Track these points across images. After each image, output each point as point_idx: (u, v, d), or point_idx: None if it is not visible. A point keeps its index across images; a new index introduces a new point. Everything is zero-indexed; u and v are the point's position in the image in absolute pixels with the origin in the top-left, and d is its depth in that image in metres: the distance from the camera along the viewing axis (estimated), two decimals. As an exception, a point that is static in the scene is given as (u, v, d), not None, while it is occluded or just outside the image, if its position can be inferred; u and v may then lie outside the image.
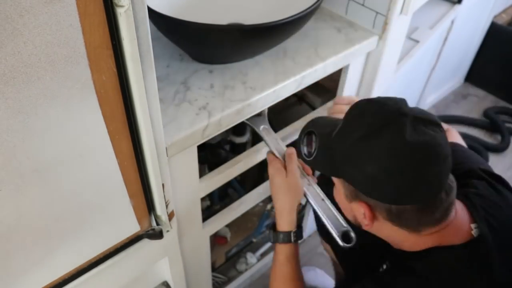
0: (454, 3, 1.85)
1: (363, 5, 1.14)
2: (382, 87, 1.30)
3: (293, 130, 1.18)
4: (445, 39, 1.93)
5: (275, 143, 1.01)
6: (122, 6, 0.54)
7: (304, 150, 0.88)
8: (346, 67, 1.15)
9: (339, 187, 0.82)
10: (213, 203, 1.40)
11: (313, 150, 0.84)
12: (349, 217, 0.86)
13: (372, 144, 0.71)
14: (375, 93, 1.27)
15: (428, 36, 1.63)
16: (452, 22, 1.87)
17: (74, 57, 0.54)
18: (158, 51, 0.99)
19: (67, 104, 0.57)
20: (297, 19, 0.89)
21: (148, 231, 0.83)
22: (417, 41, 1.59)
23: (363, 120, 0.74)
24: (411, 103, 0.78)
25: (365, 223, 0.79)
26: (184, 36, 0.89)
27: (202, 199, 1.38)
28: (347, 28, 1.14)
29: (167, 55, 0.98)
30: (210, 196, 1.40)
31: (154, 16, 0.85)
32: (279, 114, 1.49)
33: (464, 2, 1.85)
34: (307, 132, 0.88)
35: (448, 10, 1.82)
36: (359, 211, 0.78)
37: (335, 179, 0.83)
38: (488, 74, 2.52)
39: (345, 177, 0.78)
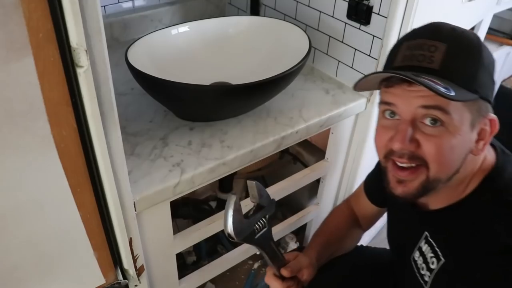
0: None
1: (351, 67, 1.16)
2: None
3: (287, 185, 1.18)
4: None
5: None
6: (81, 67, 0.57)
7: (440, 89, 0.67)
8: (334, 127, 1.16)
9: (463, 118, 0.68)
10: (201, 259, 1.39)
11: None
12: (459, 160, 0.72)
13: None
14: (366, 154, 1.27)
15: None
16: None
17: (33, 113, 0.56)
18: (144, 106, 1.02)
19: (26, 156, 0.59)
20: (277, 80, 0.91)
21: (114, 284, 0.82)
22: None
23: None
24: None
25: (483, 143, 0.72)
26: (166, 96, 0.92)
27: (188, 254, 1.37)
28: (335, 90, 1.16)
29: (152, 110, 1.01)
30: (197, 251, 1.39)
31: (136, 74, 0.88)
32: (274, 172, 1.49)
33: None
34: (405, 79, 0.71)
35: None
36: (483, 130, 0.72)
37: (455, 112, 0.67)
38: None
39: (482, 93, 0.68)
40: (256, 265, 1.55)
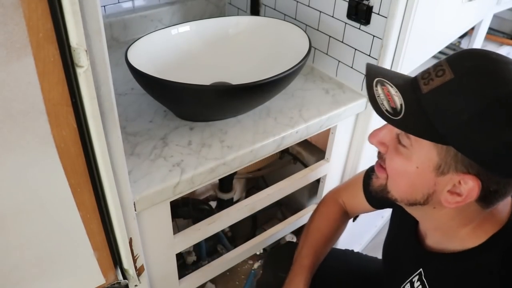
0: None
1: (351, 67, 1.16)
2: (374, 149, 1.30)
3: (287, 185, 1.18)
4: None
5: None
6: (81, 67, 0.57)
7: (385, 105, 0.66)
8: (334, 127, 1.16)
9: (427, 156, 0.64)
10: (201, 259, 1.39)
11: (399, 106, 0.65)
12: (418, 194, 0.69)
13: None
14: (366, 154, 1.27)
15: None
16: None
17: (33, 113, 0.56)
18: (144, 106, 1.02)
19: (26, 156, 0.59)
20: (277, 80, 0.91)
21: (114, 284, 0.83)
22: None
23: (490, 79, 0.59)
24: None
25: (457, 200, 0.64)
26: (165, 95, 0.92)
27: (188, 254, 1.38)
28: (335, 90, 1.16)
29: (152, 110, 1.01)
30: (197, 251, 1.39)
31: (136, 74, 0.88)
32: (274, 172, 1.50)
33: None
34: (377, 81, 0.68)
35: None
36: (454, 186, 0.64)
37: (418, 145, 0.65)
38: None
39: (455, 144, 0.61)
40: (256, 265, 1.55)
